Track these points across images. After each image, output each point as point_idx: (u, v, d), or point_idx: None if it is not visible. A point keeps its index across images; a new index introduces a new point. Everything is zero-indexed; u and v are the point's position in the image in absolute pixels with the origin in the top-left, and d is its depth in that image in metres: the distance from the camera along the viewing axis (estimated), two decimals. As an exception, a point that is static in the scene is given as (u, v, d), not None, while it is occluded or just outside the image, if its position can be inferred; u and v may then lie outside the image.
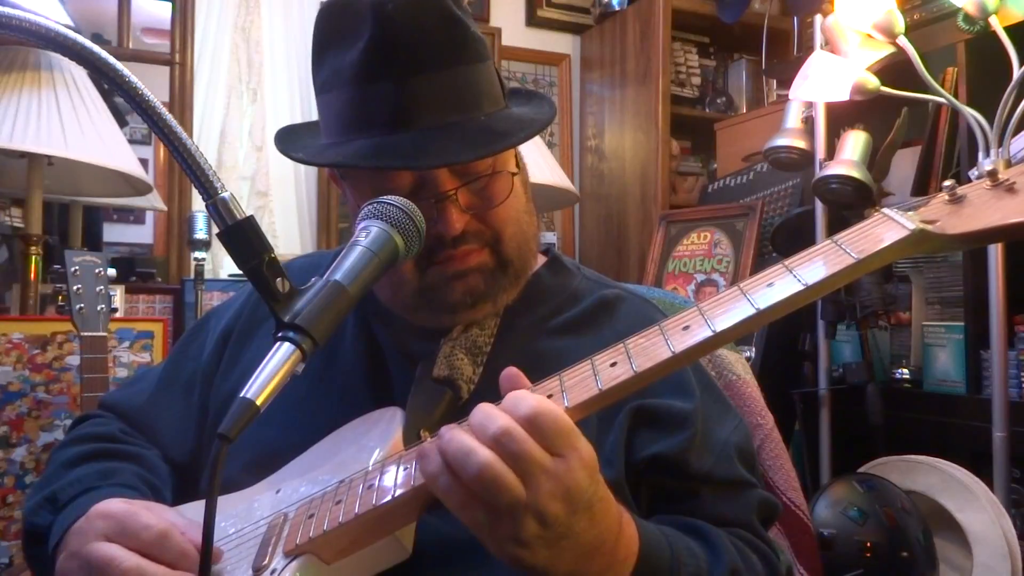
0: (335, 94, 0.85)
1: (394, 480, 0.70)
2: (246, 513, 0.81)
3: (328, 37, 0.87)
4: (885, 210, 0.64)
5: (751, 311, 0.63)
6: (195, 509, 0.79)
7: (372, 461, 0.75)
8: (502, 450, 0.61)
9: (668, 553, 0.72)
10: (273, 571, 0.70)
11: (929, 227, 0.61)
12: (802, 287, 0.62)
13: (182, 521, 0.75)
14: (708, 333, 0.64)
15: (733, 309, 0.64)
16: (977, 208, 0.62)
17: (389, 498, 0.68)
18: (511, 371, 0.68)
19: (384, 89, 0.81)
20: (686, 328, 0.65)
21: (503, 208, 0.87)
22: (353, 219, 0.81)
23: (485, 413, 0.63)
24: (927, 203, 0.65)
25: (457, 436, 0.63)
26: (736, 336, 0.65)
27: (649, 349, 0.66)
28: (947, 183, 0.64)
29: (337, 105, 0.85)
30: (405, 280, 0.86)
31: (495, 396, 0.74)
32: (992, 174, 0.63)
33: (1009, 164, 1.80)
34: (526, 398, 0.63)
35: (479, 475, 0.61)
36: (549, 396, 0.67)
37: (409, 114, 0.81)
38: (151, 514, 0.74)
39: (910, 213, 0.63)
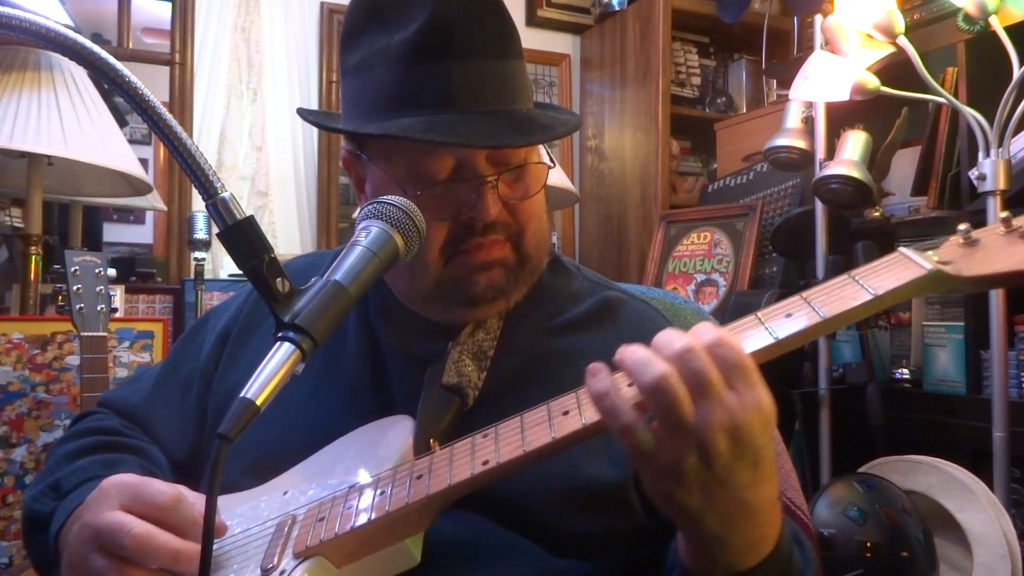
0: (376, 73, 0.85)
1: (407, 488, 0.70)
2: (252, 513, 0.81)
3: (370, 18, 0.87)
4: (902, 250, 0.66)
5: (769, 340, 0.64)
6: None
7: (384, 468, 0.75)
8: (683, 366, 0.61)
9: (789, 540, 0.71)
10: (282, 572, 0.70)
11: (945, 268, 0.64)
12: (820, 319, 0.64)
13: (193, 495, 0.75)
14: None
15: (751, 336, 0.65)
16: (990, 252, 0.65)
17: (401, 505, 0.69)
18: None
19: (435, 70, 0.82)
20: None
21: (530, 203, 0.88)
22: (362, 202, 0.82)
23: (668, 336, 0.63)
24: (941, 245, 0.67)
25: (636, 349, 0.63)
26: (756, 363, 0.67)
27: None
28: (962, 227, 0.66)
29: (378, 84, 0.85)
30: (428, 268, 0.85)
31: (500, 401, 0.74)
32: (1006, 220, 0.66)
33: (1009, 164, 1.81)
34: (712, 329, 0.63)
35: (656, 383, 0.60)
36: (565, 413, 0.67)
37: (458, 96, 0.82)
38: (165, 484, 0.74)
39: (928, 253, 0.66)
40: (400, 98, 0.83)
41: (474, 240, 0.85)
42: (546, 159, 0.90)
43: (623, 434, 0.62)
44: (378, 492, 0.72)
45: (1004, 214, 0.66)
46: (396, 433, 0.81)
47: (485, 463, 0.68)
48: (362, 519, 0.70)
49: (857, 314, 0.64)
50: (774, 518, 0.67)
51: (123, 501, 0.72)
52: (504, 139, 0.83)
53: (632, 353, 0.63)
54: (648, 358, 0.62)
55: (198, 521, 0.71)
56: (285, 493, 0.81)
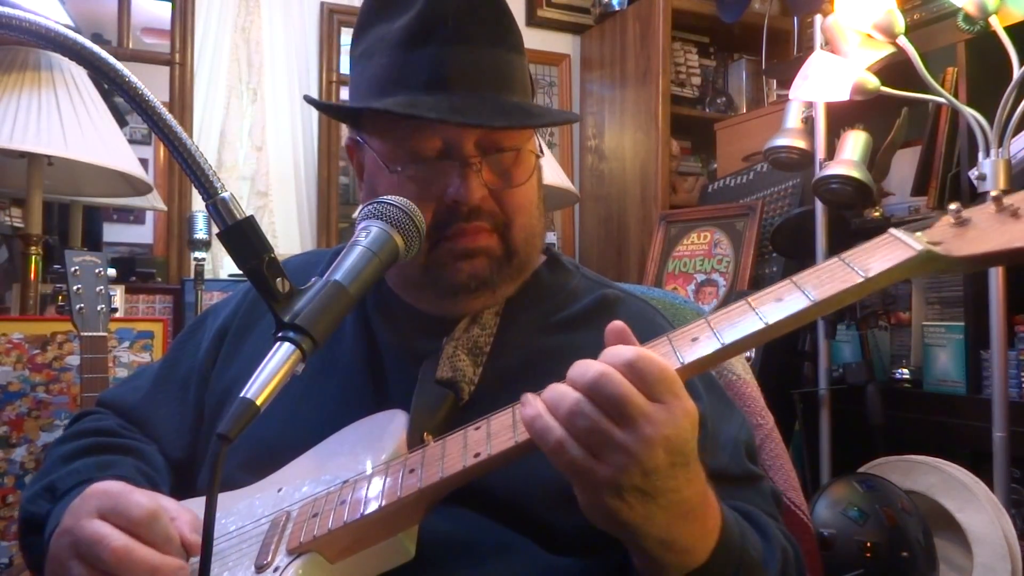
0: (375, 59, 0.87)
1: (399, 482, 0.70)
2: (247, 511, 0.81)
3: (376, 12, 0.89)
4: (892, 231, 0.65)
5: (760, 325, 0.64)
6: (195, 506, 0.79)
7: (377, 463, 0.75)
8: (596, 392, 0.61)
9: (738, 530, 0.71)
10: (276, 568, 0.70)
11: (935, 248, 0.63)
12: (810, 303, 0.63)
13: (176, 507, 0.75)
14: (717, 346, 0.65)
15: (741, 322, 0.65)
16: (982, 232, 0.64)
17: (393, 499, 0.69)
18: (618, 325, 0.67)
19: (428, 53, 0.84)
20: (694, 340, 0.66)
21: (518, 193, 0.88)
22: (363, 191, 0.84)
23: (584, 364, 0.63)
24: (932, 224, 0.66)
25: (556, 384, 0.63)
26: (744, 349, 0.66)
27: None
28: (952, 206, 0.65)
29: (375, 68, 0.87)
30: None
31: (495, 396, 0.74)
32: (997, 199, 0.65)
33: (1009, 164, 1.81)
34: (627, 348, 0.63)
35: (569, 413, 0.61)
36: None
37: (447, 78, 0.83)
38: (145, 495, 0.73)
39: (917, 234, 0.65)
40: (393, 80, 0.85)
41: (458, 225, 0.85)
42: (538, 151, 0.91)
43: (554, 453, 0.62)
44: (371, 486, 0.72)
45: (995, 193, 0.65)
46: (389, 427, 0.81)
47: (477, 455, 0.68)
48: (355, 514, 0.70)
49: (848, 296, 0.64)
50: (710, 509, 0.68)
51: (102, 510, 0.71)
52: (487, 119, 0.83)
53: (551, 389, 0.63)
54: (563, 391, 0.62)
55: (172, 537, 0.71)
56: (279, 490, 0.81)
